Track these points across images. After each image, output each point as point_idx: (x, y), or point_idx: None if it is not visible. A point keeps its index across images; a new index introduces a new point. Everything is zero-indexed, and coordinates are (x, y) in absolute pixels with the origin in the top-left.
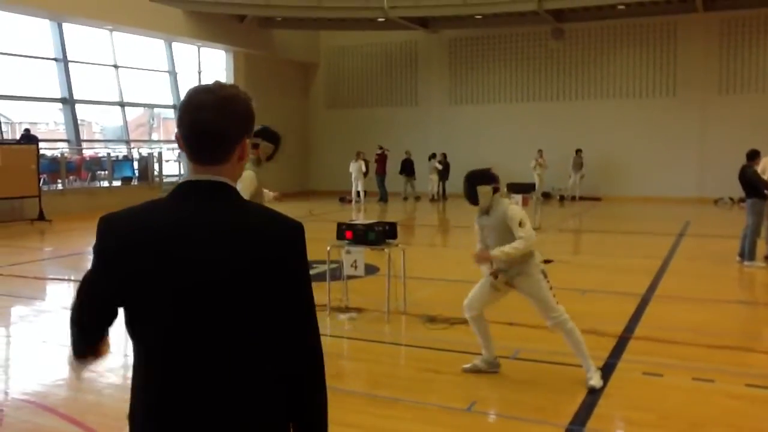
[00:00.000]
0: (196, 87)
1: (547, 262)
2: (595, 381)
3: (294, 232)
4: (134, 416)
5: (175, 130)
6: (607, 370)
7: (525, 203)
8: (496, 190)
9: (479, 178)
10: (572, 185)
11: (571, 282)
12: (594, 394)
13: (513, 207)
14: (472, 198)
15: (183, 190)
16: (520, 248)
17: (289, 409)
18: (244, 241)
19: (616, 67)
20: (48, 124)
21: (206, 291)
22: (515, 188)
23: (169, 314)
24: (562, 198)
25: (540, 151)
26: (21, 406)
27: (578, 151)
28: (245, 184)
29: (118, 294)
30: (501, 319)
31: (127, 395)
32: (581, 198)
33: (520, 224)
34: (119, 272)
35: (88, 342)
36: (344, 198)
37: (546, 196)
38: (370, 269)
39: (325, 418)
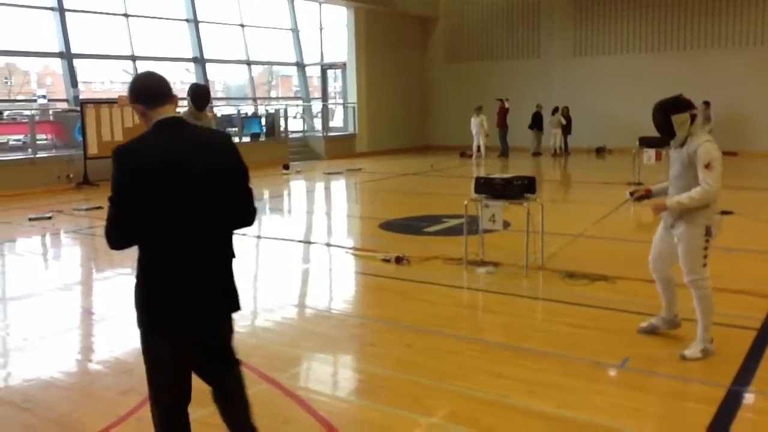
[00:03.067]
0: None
1: (725, 213)
2: (691, 352)
3: (230, 135)
4: (154, 294)
5: (293, 87)
6: (766, 332)
7: (658, 157)
8: (693, 117)
9: (673, 106)
10: None
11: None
12: (755, 355)
13: (708, 144)
14: (668, 130)
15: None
16: (698, 198)
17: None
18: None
19: (752, 13)
20: (175, 83)
21: (206, 189)
22: (647, 142)
23: (183, 205)
24: None
25: None
26: None
27: (706, 104)
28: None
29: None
30: (643, 277)
31: (282, 339)
32: None
33: (707, 167)
34: (145, 186)
35: (124, 245)
36: (464, 153)
37: None
38: (503, 224)
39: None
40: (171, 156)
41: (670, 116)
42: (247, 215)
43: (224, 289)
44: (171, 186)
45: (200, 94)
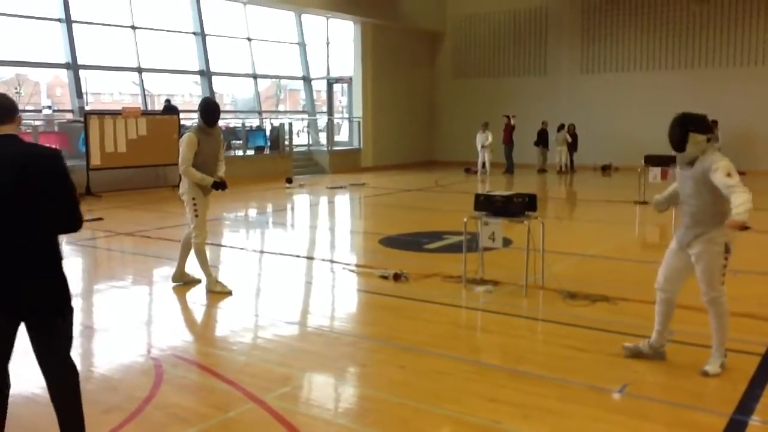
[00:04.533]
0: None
1: (744, 229)
2: (711, 368)
3: (56, 152)
4: None
5: (301, 101)
6: None
7: (664, 176)
8: (708, 141)
9: (695, 124)
10: None
11: None
12: (759, 382)
13: (726, 161)
14: (681, 144)
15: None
16: (748, 197)
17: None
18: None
19: (760, 32)
20: (184, 96)
21: (19, 193)
22: (653, 161)
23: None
24: None
25: None
26: (176, 363)
27: (714, 123)
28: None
29: None
30: (645, 298)
31: (272, 357)
32: None
33: (729, 175)
34: None
35: None
36: (469, 169)
37: None
38: (505, 241)
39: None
40: None
41: (688, 132)
42: (68, 222)
43: (33, 288)
44: None
45: (210, 111)
